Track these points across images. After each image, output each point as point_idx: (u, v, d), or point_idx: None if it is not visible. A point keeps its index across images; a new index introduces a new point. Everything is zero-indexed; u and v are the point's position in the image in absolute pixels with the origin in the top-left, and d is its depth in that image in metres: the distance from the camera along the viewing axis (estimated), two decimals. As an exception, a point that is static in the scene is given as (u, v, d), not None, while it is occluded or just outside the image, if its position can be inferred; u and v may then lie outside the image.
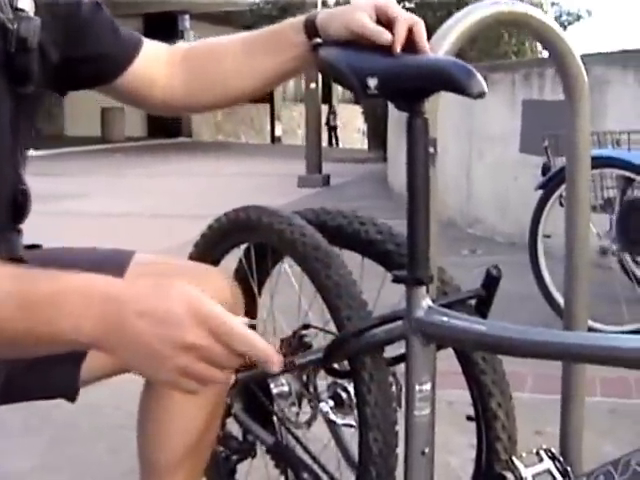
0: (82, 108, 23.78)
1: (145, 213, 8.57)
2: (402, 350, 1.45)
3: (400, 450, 1.51)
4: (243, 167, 14.67)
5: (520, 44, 21.57)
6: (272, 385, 1.82)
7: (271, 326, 1.93)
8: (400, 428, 1.51)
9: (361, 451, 1.56)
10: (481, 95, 1.25)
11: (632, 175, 3.92)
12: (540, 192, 4.18)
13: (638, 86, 5.46)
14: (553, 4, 23.56)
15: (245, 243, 1.90)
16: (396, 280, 1.40)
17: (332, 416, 1.69)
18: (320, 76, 12.47)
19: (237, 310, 1.56)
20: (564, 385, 1.76)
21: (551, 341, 1.19)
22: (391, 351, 1.58)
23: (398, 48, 1.33)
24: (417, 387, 1.39)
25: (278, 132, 30.86)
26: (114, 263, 1.49)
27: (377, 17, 1.36)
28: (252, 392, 1.85)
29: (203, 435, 1.59)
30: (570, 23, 25.41)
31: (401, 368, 1.51)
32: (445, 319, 1.34)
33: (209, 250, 1.93)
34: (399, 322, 1.42)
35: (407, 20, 1.34)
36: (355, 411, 1.62)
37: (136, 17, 23.57)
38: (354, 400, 1.62)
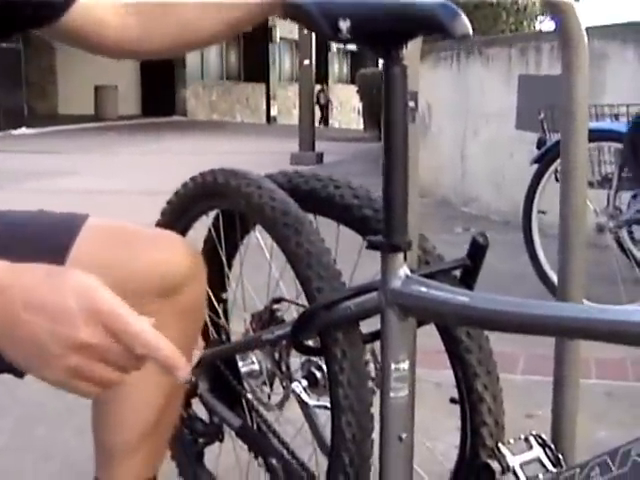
0: (75, 86, 23.65)
1: (135, 190, 8.43)
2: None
3: (376, 435, 1.38)
4: (237, 145, 14.51)
5: (518, 23, 21.41)
6: (241, 363, 1.68)
7: (242, 300, 1.80)
8: (376, 411, 1.38)
9: (333, 436, 1.42)
10: (465, 36, 1.11)
11: (630, 149, 3.77)
12: (535, 166, 4.03)
13: (637, 60, 5.31)
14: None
15: (214, 210, 1.76)
16: (370, 246, 1.26)
17: (305, 397, 1.55)
18: (314, 54, 12.31)
19: (199, 279, 1.42)
20: (557, 365, 1.63)
21: (544, 314, 1.04)
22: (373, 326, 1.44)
23: None
24: (393, 366, 1.26)
25: (274, 112, 30.66)
26: (65, 227, 1.36)
27: None
28: (219, 371, 1.71)
29: (162, 415, 1.46)
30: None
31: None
32: (424, 290, 1.20)
33: (176, 218, 1.79)
34: (374, 294, 1.28)
35: None
36: (330, 392, 1.48)
37: None
38: (329, 380, 1.48)
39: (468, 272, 1.38)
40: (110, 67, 23.89)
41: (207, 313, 1.82)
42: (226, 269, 1.81)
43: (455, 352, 1.44)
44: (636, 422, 2.60)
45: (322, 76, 29.76)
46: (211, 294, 1.81)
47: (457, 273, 1.42)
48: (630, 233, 4.11)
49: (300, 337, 1.44)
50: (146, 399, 1.42)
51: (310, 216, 1.52)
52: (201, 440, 1.76)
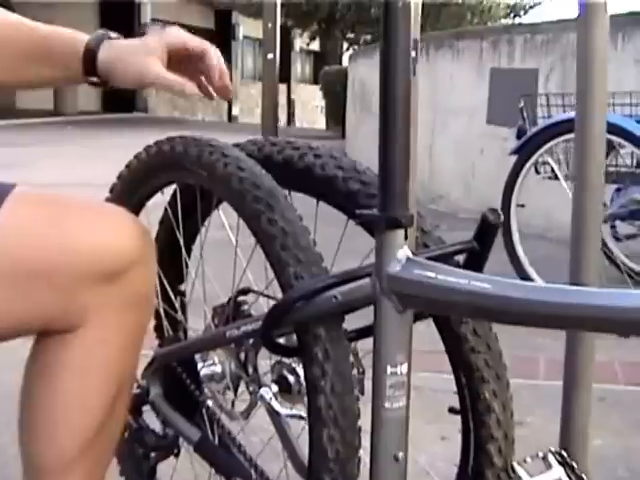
0: (34, 80, 23.25)
1: (93, 183, 8.12)
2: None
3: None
4: (198, 141, 14.33)
5: (483, 24, 21.42)
6: (200, 365, 1.44)
7: (202, 291, 1.56)
8: (363, 423, 1.14)
9: (312, 453, 1.18)
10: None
11: (619, 140, 3.56)
12: (514, 157, 3.82)
13: (620, 51, 5.14)
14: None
15: (171, 185, 1.52)
16: (362, 222, 1.02)
17: (276, 405, 1.31)
18: (278, 48, 12.11)
19: (148, 262, 1.19)
20: (567, 368, 1.42)
21: (602, 305, 0.79)
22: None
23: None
24: (389, 369, 1.02)
25: (235, 111, 30.39)
26: None
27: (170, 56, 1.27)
28: (175, 373, 1.46)
29: (104, 421, 1.20)
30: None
31: (365, 344, 1.18)
32: (431, 275, 0.96)
33: (128, 195, 1.54)
34: (366, 280, 1.04)
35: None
36: (305, 399, 1.23)
37: (90, 5, 23.10)
38: (304, 385, 1.23)
39: (474, 257, 1.14)
40: (69, 62, 23.53)
41: (162, 306, 1.58)
42: (185, 256, 1.56)
43: (458, 352, 1.20)
44: (631, 430, 2.41)
45: (285, 75, 29.54)
46: (167, 284, 1.57)
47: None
48: (613, 228, 3.93)
49: (273, 333, 1.19)
50: (84, 400, 1.18)
51: (285, 191, 1.28)
52: (153, 454, 1.51)
